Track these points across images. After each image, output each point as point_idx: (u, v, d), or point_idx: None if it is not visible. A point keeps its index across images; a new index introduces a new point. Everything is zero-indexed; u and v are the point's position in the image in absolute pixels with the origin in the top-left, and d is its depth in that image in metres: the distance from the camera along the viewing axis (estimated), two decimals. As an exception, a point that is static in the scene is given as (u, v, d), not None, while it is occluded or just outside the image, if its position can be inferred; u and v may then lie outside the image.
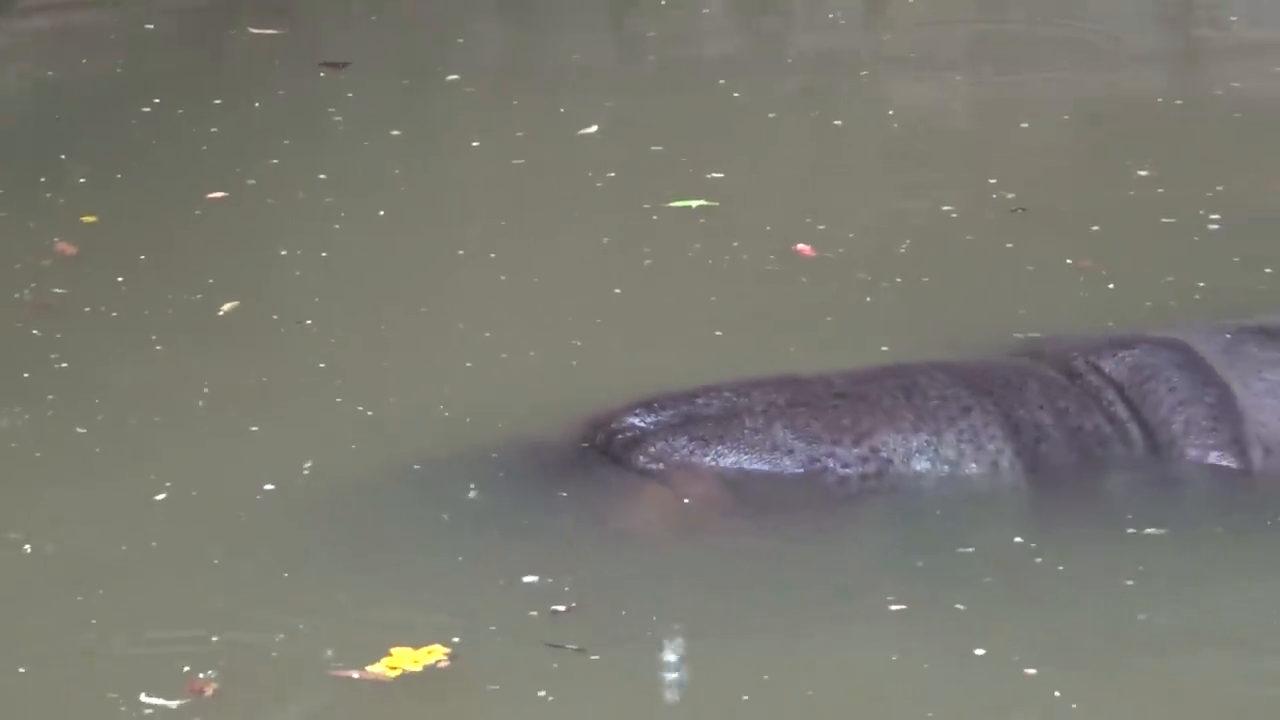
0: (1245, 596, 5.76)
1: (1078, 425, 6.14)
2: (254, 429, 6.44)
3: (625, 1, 10.60)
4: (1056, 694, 5.29)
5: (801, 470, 6.04)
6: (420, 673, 5.31)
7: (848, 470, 6.04)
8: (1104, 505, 6.10)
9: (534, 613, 5.49)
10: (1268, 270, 7.52)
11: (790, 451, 6.03)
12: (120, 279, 7.39)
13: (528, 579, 5.65)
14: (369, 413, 6.55)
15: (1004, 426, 6.08)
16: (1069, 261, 7.56)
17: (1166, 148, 8.57)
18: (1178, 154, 8.50)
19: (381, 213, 7.92)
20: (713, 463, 6.05)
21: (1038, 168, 8.43)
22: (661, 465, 6.04)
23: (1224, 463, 6.14)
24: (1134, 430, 6.18)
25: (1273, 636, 5.63)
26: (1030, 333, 6.89)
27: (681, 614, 5.59)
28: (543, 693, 5.20)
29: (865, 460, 6.02)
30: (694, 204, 7.87)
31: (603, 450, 6.12)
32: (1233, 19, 10.98)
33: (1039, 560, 5.78)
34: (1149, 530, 5.93)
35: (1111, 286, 7.31)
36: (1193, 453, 6.12)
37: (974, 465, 6.04)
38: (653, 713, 5.27)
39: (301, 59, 9.42)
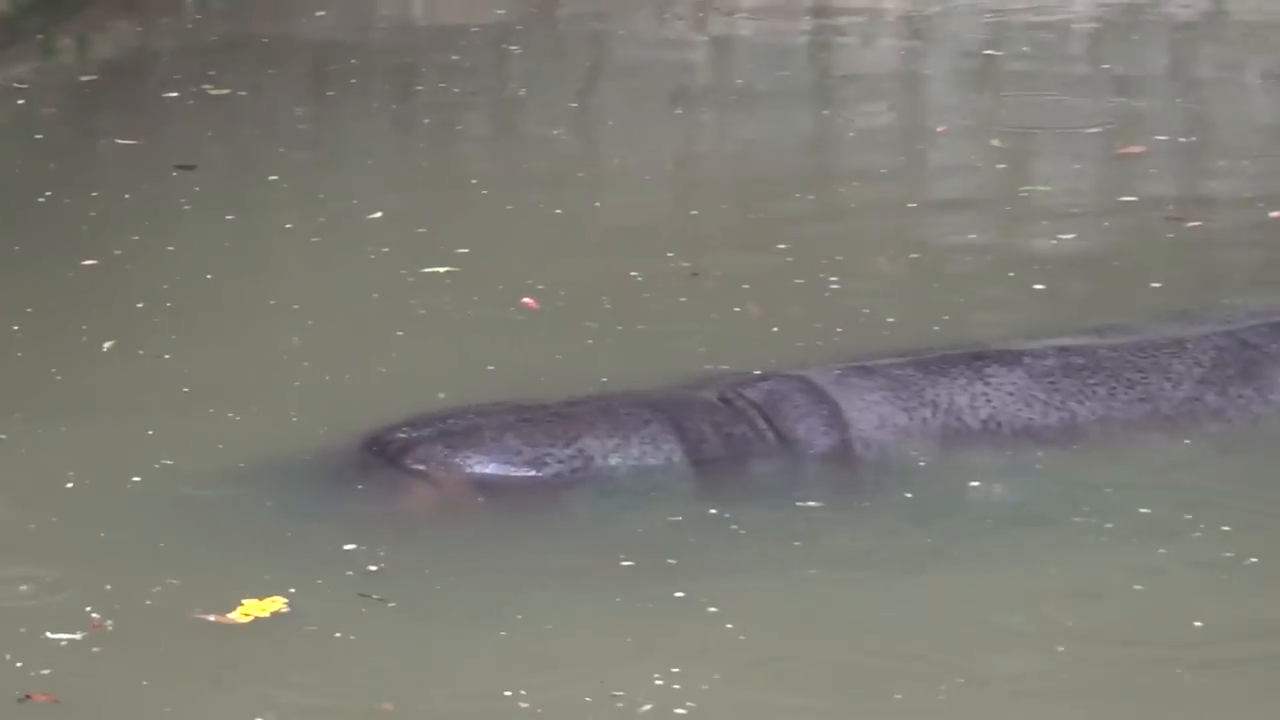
0: (856, 544, 6.03)
1: (729, 432, 6.45)
2: (131, 433, 6.72)
3: (408, 125, 10.86)
4: (729, 626, 5.55)
5: (528, 467, 6.33)
6: (266, 618, 5.59)
7: (561, 465, 6.34)
8: (753, 487, 6.37)
9: (350, 572, 5.84)
10: (866, 311, 7.63)
11: (519, 453, 6.34)
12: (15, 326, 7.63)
13: (347, 547, 5.97)
14: (213, 425, 6.78)
15: (675, 432, 6.41)
16: (737, 309, 7.73)
17: (802, 227, 8.73)
18: (811, 232, 8.67)
19: (210, 276, 8.15)
20: (461, 464, 6.34)
21: (705, 242, 8.63)
22: (424, 466, 6.34)
23: (835, 454, 6.42)
24: (770, 435, 6.46)
25: (875, 564, 5.94)
26: (711, 366, 7.03)
27: (457, 572, 5.89)
28: (354, 636, 5.52)
29: (574, 458, 6.36)
30: (443, 270, 8.14)
31: (381, 455, 6.40)
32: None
33: (732, 528, 6.10)
34: (800, 504, 6.26)
35: (775, 329, 7.52)
36: (813, 450, 6.43)
37: (653, 460, 6.39)
38: (442, 647, 5.52)
39: (159, 162, 9.53)
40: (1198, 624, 5.53)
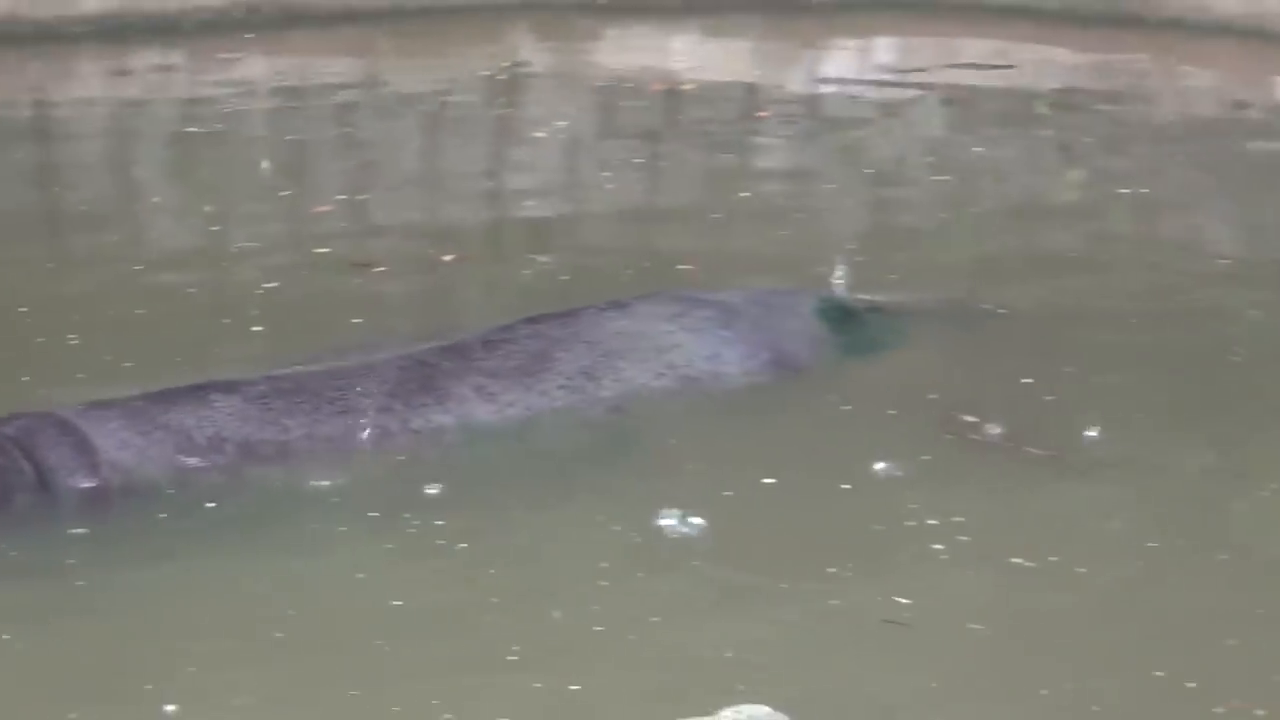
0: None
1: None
2: None
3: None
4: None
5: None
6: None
7: None
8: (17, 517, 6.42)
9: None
10: (108, 357, 7.64)
11: None
12: None
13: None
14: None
15: None
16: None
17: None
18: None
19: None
20: None
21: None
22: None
23: (87, 479, 6.50)
24: (27, 464, 6.47)
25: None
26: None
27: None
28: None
29: None
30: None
31: None
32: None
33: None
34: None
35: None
36: (66, 481, 6.50)
37: None
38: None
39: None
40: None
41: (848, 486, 6.73)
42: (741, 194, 10.31)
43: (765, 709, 4.16)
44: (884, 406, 7.31)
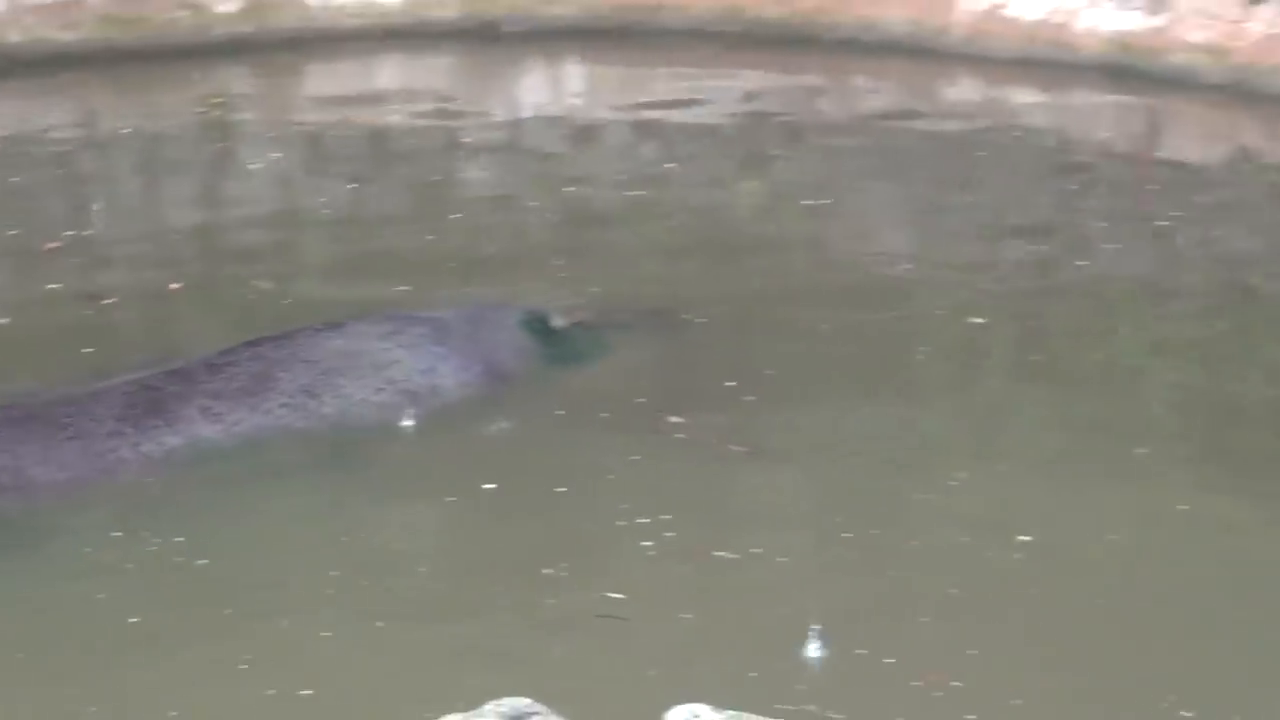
0: None
1: None
2: None
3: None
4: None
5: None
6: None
7: None
8: None
9: None
10: None
11: None
12: None
13: None
14: None
15: None
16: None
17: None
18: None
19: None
20: None
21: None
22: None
23: None
24: None
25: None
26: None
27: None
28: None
29: None
30: None
31: None
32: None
33: None
34: None
35: None
36: None
37: None
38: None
39: None
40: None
41: (564, 489, 6.82)
42: (451, 216, 10.38)
43: (526, 700, 4.19)
44: (596, 411, 7.43)
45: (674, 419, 7.34)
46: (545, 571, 6.23)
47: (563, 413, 7.46)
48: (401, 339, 7.69)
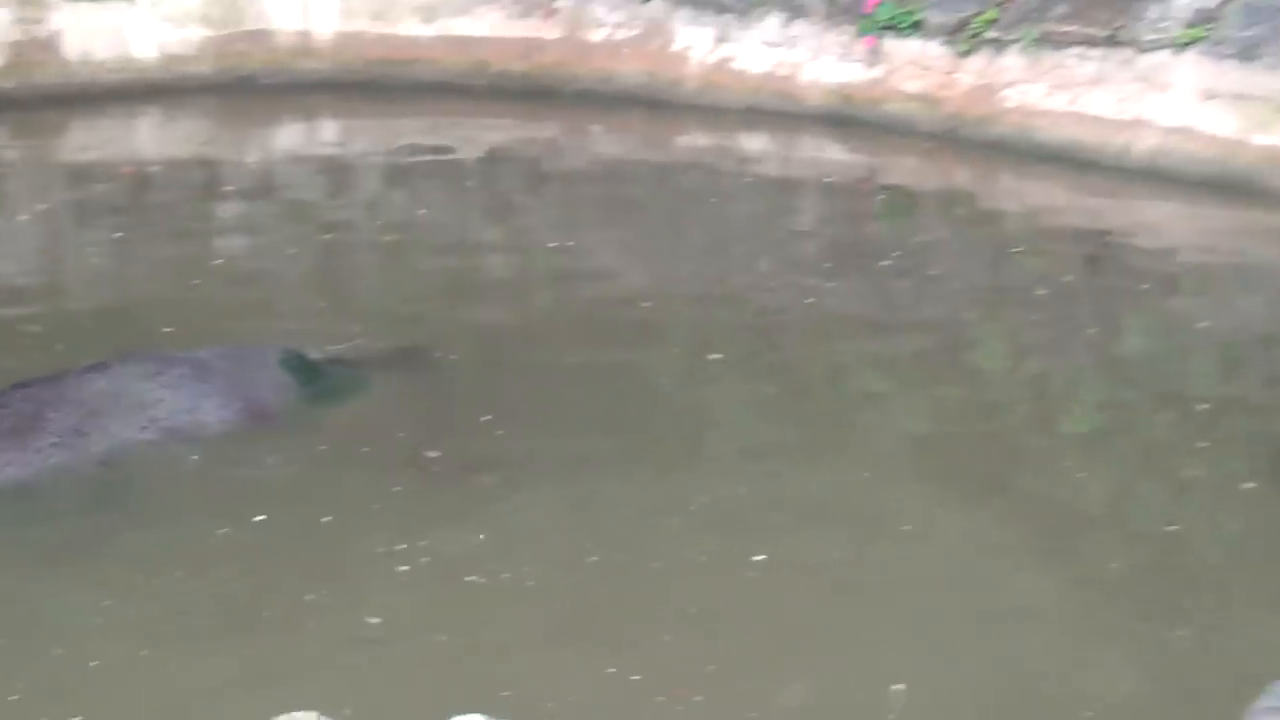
0: None
1: None
2: None
3: None
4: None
5: None
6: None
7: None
8: None
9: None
10: None
11: None
12: None
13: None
14: None
15: None
16: None
17: None
18: None
19: None
20: None
21: None
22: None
23: None
24: None
25: None
26: None
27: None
28: None
29: None
30: None
31: None
32: None
33: None
34: None
35: None
36: None
37: None
38: None
39: None
40: None
41: (329, 519, 6.86)
42: (214, 261, 10.37)
43: (313, 714, 4.21)
44: (358, 446, 7.50)
45: (431, 453, 7.43)
46: (308, 597, 6.28)
47: (326, 448, 7.51)
48: (164, 379, 7.69)
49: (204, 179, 12.18)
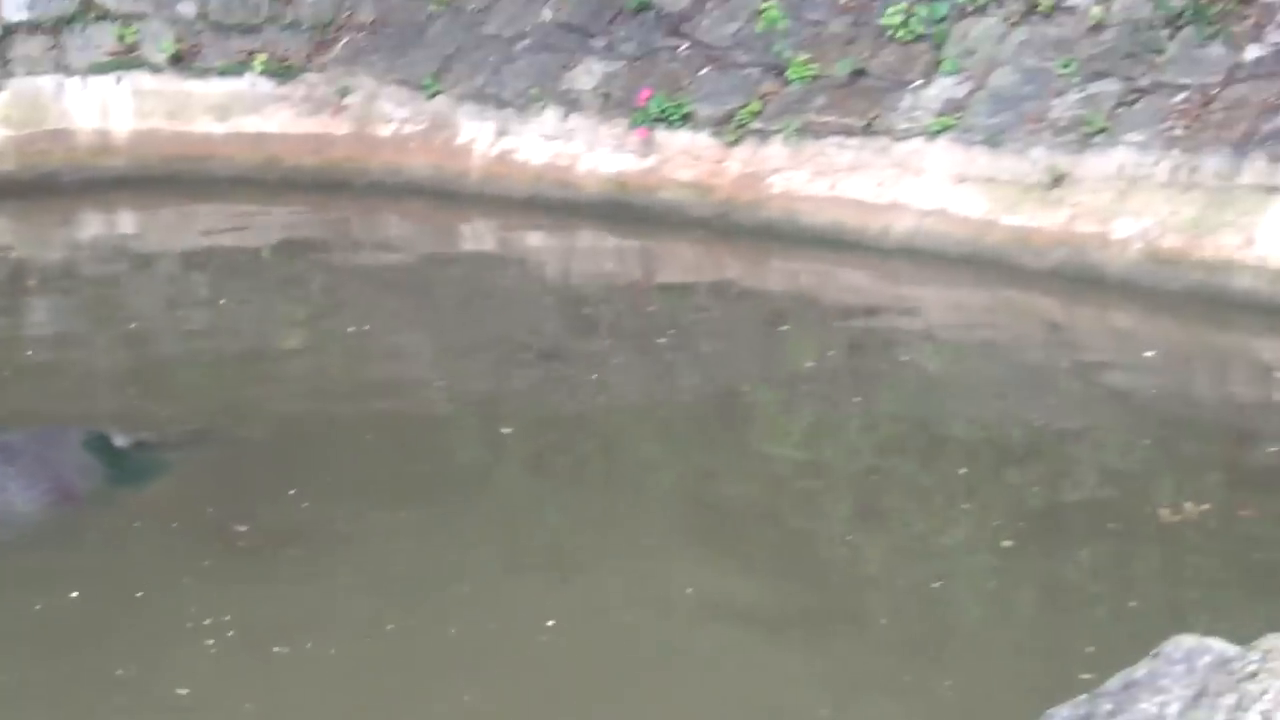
0: None
1: None
2: None
3: None
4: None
5: None
6: None
7: None
8: None
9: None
10: None
11: None
12: None
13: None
14: None
15: None
16: None
17: None
18: None
19: None
20: None
21: None
22: None
23: None
24: None
25: None
26: None
27: None
28: None
29: None
30: None
31: None
32: None
33: None
34: None
35: None
36: None
37: None
38: None
39: None
40: None
41: (140, 594, 6.84)
42: (26, 353, 10.30)
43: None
44: (168, 522, 7.49)
45: (239, 527, 7.44)
46: (119, 672, 6.26)
47: (138, 525, 7.49)
48: (-32, 461, 7.62)
49: (6, 273, 12.09)
